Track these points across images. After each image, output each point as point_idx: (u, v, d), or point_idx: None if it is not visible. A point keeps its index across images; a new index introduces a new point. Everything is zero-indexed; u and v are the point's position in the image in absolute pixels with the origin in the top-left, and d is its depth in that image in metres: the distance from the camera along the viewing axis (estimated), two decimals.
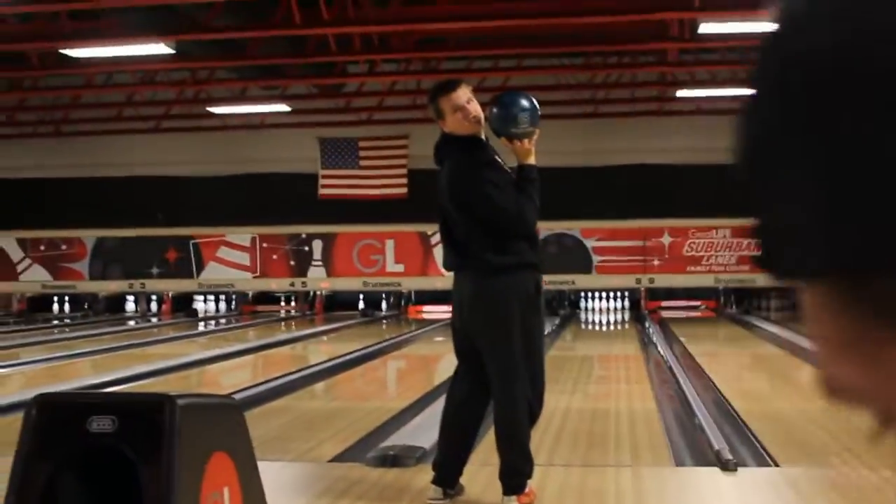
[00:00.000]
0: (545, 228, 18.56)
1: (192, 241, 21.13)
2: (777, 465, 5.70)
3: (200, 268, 21.13)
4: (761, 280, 19.78)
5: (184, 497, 2.52)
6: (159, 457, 2.50)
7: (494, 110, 4.78)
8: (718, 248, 19.83)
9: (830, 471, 5.50)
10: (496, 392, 4.68)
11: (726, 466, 5.42)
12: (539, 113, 4.80)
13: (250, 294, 21.43)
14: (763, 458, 5.93)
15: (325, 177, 19.84)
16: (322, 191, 19.81)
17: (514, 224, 4.70)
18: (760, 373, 10.16)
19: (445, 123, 4.78)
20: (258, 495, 3.01)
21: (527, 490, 4.67)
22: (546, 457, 5.93)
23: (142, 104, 18.62)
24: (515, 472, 4.66)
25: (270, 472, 5.15)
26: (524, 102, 4.76)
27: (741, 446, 6.23)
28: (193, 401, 2.71)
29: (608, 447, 6.37)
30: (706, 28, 11.97)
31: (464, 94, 4.71)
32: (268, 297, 21.72)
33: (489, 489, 4.84)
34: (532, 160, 4.76)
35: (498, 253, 4.67)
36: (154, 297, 21.75)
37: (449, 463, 4.80)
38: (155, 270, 21.26)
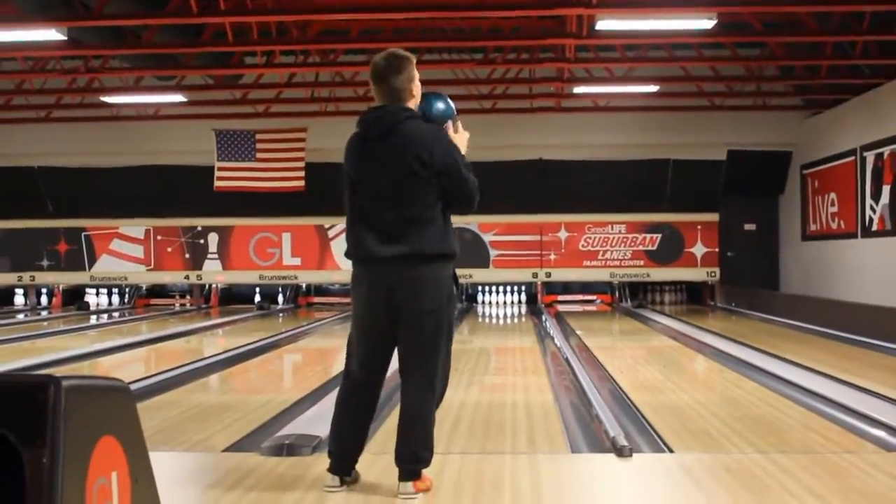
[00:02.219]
0: None
1: (84, 233, 20.70)
2: (672, 451, 5.77)
3: (93, 260, 20.71)
4: (655, 274, 20.27)
5: (69, 482, 2.43)
6: (43, 440, 2.40)
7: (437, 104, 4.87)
8: (614, 244, 20.07)
9: (724, 456, 5.57)
10: (414, 379, 4.64)
11: (622, 453, 5.46)
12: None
13: (144, 287, 21.06)
14: (658, 445, 5.99)
15: (220, 169, 19.52)
16: (218, 183, 19.49)
17: (473, 199, 4.72)
18: (655, 364, 10.28)
19: (409, 93, 4.74)
20: (148, 480, 2.92)
21: (422, 477, 4.64)
22: (444, 446, 5.91)
23: (32, 93, 18.09)
24: (416, 459, 4.63)
25: (162, 463, 5.03)
26: (440, 104, 4.89)
27: (637, 435, 6.29)
28: (79, 382, 2.61)
29: (505, 436, 6.37)
30: (603, 25, 12.05)
31: None
32: (162, 291, 21.38)
33: (385, 476, 4.80)
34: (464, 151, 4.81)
35: (439, 240, 4.62)
36: (44, 291, 21.25)
37: (344, 451, 4.74)
38: (45, 263, 20.77)
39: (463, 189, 4.68)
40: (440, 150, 4.64)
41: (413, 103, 4.78)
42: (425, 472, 4.68)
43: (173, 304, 21.12)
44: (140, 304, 20.92)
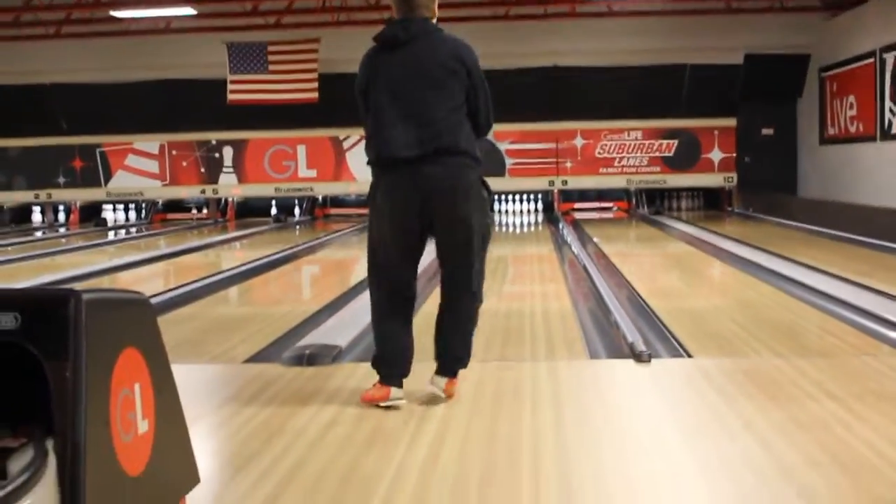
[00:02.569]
0: None
1: (98, 150, 20.68)
2: (690, 356, 5.79)
3: (108, 177, 20.72)
4: (672, 181, 20.14)
5: (93, 394, 2.44)
6: (66, 353, 2.41)
7: None
8: (630, 150, 19.96)
9: (742, 360, 5.59)
10: (462, 285, 4.71)
11: (640, 358, 5.49)
12: None
13: (160, 202, 21.10)
14: (677, 350, 6.01)
15: (233, 82, 19.42)
16: (231, 96, 19.40)
17: (489, 122, 4.74)
18: (673, 271, 10.28)
19: (432, 9, 4.70)
20: (171, 391, 2.94)
21: (455, 380, 4.74)
22: None
23: (41, 9, 17.99)
24: (456, 359, 4.74)
25: (183, 374, 5.08)
26: None
27: (655, 341, 6.31)
28: (100, 296, 2.61)
29: (524, 344, 6.40)
30: None
31: None
32: (179, 206, 21.43)
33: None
34: None
35: (467, 140, 4.61)
36: (62, 208, 21.33)
37: (401, 351, 4.76)
38: (61, 180, 20.79)
39: (483, 106, 4.67)
40: (472, 59, 4.65)
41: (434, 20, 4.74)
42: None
43: (190, 219, 21.17)
44: (157, 219, 20.97)
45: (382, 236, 4.68)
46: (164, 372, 2.91)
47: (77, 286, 9.58)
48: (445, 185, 4.54)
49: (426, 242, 4.74)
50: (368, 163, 4.72)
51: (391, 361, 4.70)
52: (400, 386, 4.67)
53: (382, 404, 4.60)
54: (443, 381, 4.69)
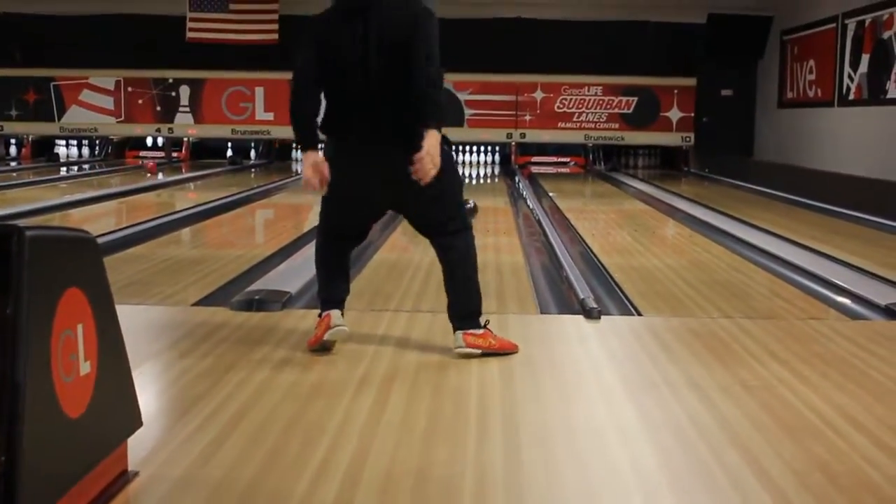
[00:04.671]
0: None
1: (52, 83, 20.33)
2: (640, 314, 5.82)
3: (62, 111, 20.40)
4: (630, 138, 20.16)
5: (33, 333, 2.40)
6: (6, 291, 2.37)
7: None
8: (589, 106, 19.94)
9: (690, 319, 5.63)
10: (452, 240, 4.66)
11: (590, 315, 5.50)
12: None
13: (115, 139, 20.78)
14: (627, 308, 6.04)
15: (192, 20, 19.13)
16: (189, 34, 19.11)
17: (435, 88, 4.58)
18: (626, 228, 10.32)
19: None
20: (114, 333, 2.91)
21: (482, 331, 4.65)
22: (412, 304, 5.95)
23: None
24: (472, 312, 4.65)
25: (130, 315, 5.04)
26: None
27: (606, 297, 6.34)
28: (45, 233, 2.56)
29: None
30: None
31: None
32: (137, 144, 21.12)
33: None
34: None
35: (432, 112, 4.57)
36: (13, 141, 20.98)
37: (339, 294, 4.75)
38: (13, 113, 20.44)
39: (428, 72, 4.47)
40: (427, 28, 4.46)
41: None
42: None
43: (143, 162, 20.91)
44: (130, 155, 20.68)
45: (337, 201, 4.76)
46: (109, 313, 2.88)
47: (25, 222, 9.48)
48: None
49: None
50: (323, 129, 4.65)
51: (329, 287, 4.71)
52: (341, 311, 4.65)
53: (327, 336, 4.54)
54: (460, 337, 4.61)
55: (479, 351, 4.56)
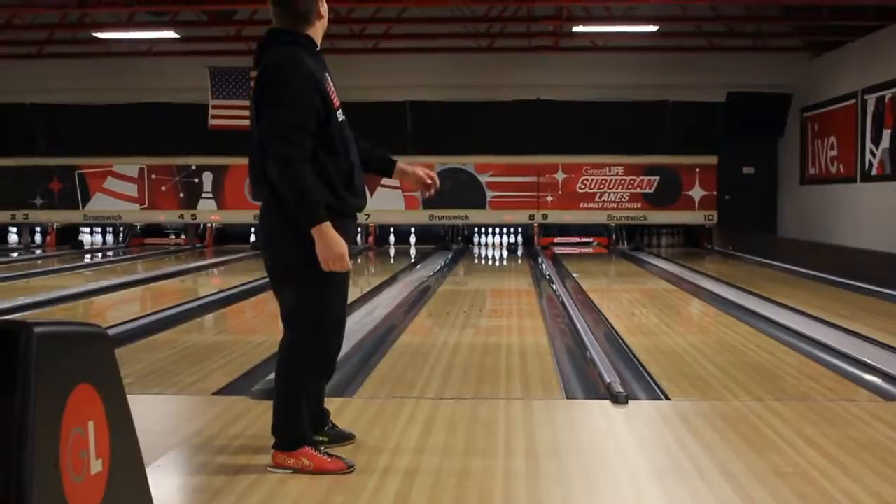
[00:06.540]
0: (439, 163, 18.45)
1: (77, 172, 20.52)
2: (668, 398, 5.69)
3: (86, 199, 20.55)
4: (652, 217, 20.10)
5: (42, 432, 2.33)
6: (14, 389, 2.30)
7: None
8: (611, 186, 19.93)
9: (719, 403, 5.50)
10: (282, 343, 4.24)
11: (617, 399, 5.39)
12: None
13: (139, 226, 20.92)
14: (654, 391, 5.92)
15: (215, 107, 19.33)
16: (212, 121, 19.31)
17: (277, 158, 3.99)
18: (651, 308, 10.20)
19: (316, 21, 4.39)
20: (127, 429, 2.83)
21: (292, 452, 4.13)
22: (436, 390, 5.85)
23: (23, 28, 17.87)
24: (281, 431, 4.20)
25: (149, 406, 4.97)
26: None
27: (632, 380, 6.22)
28: (53, 328, 2.50)
29: (499, 381, 6.29)
30: None
31: None
32: (157, 231, 21.24)
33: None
34: None
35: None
36: (38, 229, 21.13)
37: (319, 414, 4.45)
38: (38, 201, 20.61)
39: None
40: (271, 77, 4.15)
41: (312, 30, 4.39)
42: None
43: (168, 245, 20.99)
44: (134, 243, 20.79)
45: (338, 288, 4.18)
46: (121, 409, 2.80)
47: (51, 310, 9.47)
48: (277, 225, 4.16)
49: None
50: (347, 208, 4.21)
51: (320, 419, 4.43)
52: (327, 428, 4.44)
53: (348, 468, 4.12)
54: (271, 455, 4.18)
55: (290, 470, 4.08)
